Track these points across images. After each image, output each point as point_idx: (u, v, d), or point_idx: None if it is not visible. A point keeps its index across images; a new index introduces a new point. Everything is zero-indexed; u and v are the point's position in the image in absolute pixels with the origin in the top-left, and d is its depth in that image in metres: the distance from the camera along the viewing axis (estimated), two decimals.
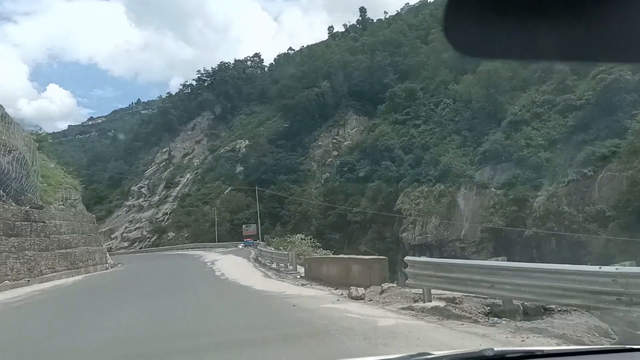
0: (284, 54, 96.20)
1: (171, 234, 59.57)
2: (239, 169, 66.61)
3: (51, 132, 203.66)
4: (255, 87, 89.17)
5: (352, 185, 46.89)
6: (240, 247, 36.96)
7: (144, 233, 64.29)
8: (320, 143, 61.48)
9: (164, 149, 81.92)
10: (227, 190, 62.00)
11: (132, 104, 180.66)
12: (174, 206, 66.02)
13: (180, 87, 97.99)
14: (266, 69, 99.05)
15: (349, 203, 45.64)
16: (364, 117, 63.71)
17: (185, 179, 72.28)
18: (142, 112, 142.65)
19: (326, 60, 67.58)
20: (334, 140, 61.18)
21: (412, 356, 1.90)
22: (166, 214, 66.13)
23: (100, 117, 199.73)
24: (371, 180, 45.12)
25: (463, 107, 43.82)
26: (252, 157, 62.85)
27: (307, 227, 48.48)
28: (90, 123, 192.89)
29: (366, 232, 40.55)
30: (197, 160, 76.77)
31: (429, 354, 1.91)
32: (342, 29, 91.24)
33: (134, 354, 4.97)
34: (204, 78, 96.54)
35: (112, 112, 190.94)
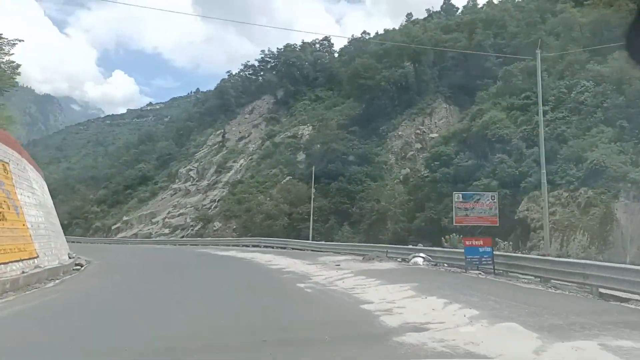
0: (358, 38, 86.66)
1: (217, 224, 51.20)
2: (301, 157, 57.70)
3: (111, 114, 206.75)
4: (323, 71, 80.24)
5: (447, 183, 36.46)
6: (421, 263, 17.64)
7: (188, 220, 56.42)
8: (400, 133, 51.35)
9: (218, 131, 74.40)
10: (285, 180, 53.02)
11: (191, 92, 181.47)
12: (224, 193, 57.83)
13: (242, 67, 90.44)
14: (336, 54, 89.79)
15: (444, 205, 35.25)
16: (455, 107, 53.13)
17: (239, 165, 64.08)
18: (195, 110, 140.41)
19: (413, 38, 57.36)
20: (418, 131, 50.89)
21: None
22: (214, 201, 58.01)
23: (158, 103, 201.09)
24: (476, 178, 34.57)
25: (613, 91, 32.56)
26: (317, 144, 53.60)
27: (383, 230, 38.65)
28: (148, 108, 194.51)
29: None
30: (253, 146, 68.51)
31: None
32: (421, 17, 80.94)
33: None
34: (267, 59, 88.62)
35: (170, 100, 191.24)
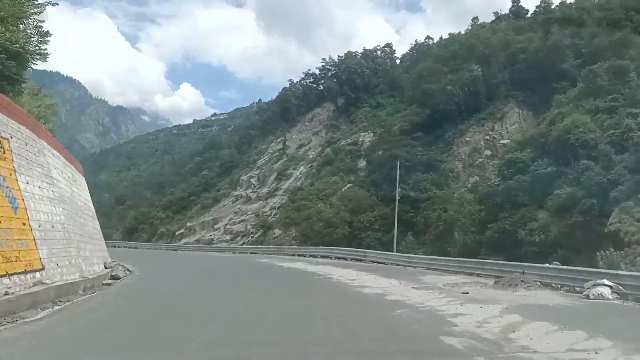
0: (421, 43, 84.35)
1: (277, 231, 50.61)
2: (361, 164, 56.25)
3: (178, 124, 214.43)
4: (384, 78, 78.70)
5: (523, 192, 33.65)
6: (609, 295, 11.90)
7: (249, 227, 56.32)
8: (467, 139, 48.68)
9: (279, 139, 74.47)
10: (345, 187, 51.70)
11: (253, 103, 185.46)
12: (284, 200, 57.33)
13: (303, 75, 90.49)
14: (398, 60, 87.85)
15: (520, 215, 32.49)
16: (528, 111, 49.78)
17: (299, 172, 63.55)
18: (257, 118, 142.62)
19: (482, 40, 54.56)
20: (487, 137, 48.02)
21: None
22: (274, 208, 57.64)
23: (222, 113, 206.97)
24: (557, 187, 31.61)
25: None
26: (379, 150, 51.92)
27: (451, 240, 36.30)
28: (213, 119, 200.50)
29: (546, 258, 27.11)
30: (313, 153, 67.86)
31: None
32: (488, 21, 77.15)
33: None
34: (328, 67, 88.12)
35: (233, 110, 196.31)
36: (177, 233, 63.42)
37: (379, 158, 51.23)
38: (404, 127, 52.10)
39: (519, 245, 31.13)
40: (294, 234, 49.85)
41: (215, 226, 61.20)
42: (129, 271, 19.34)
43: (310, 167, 63.70)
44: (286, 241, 49.47)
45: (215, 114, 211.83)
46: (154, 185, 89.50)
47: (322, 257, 31.25)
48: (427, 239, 37.62)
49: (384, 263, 26.24)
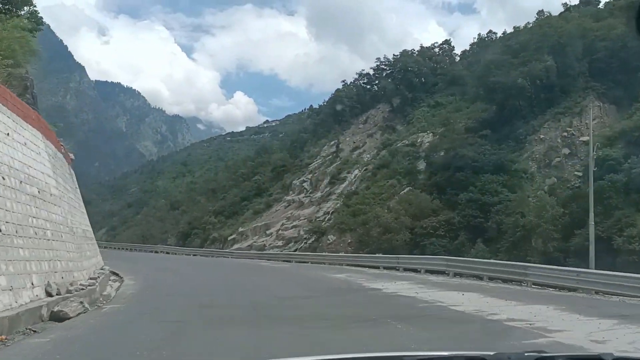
0: (483, 38, 79.53)
1: (331, 237, 47.83)
2: (421, 165, 52.56)
3: (231, 131, 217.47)
4: (443, 76, 74.61)
5: (617, 193, 29.10)
6: None
7: (301, 233, 53.91)
8: (542, 136, 44.08)
9: (332, 142, 71.86)
10: (404, 190, 48.24)
11: (304, 109, 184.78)
12: (338, 205, 54.53)
13: (356, 75, 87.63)
14: (457, 57, 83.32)
15: (615, 220, 28.01)
16: (611, 105, 44.55)
17: (353, 175, 60.58)
18: (309, 121, 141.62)
19: (556, 29, 49.69)
20: (565, 134, 43.20)
21: (527, 352, 1.82)
22: (327, 213, 54.94)
23: (274, 120, 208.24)
24: None
25: None
26: (441, 151, 48.22)
27: (529, 248, 32.12)
28: (265, 125, 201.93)
29: None
30: (368, 156, 64.75)
31: (545, 352, 1.85)
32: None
33: None
34: (382, 67, 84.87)
35: (285, 117, 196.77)
36: (229, 238, 62.00)
37: (441, 159, 47.53)
38: (470, 125, 48.04)
39: (615, 252, 26.71)
40: (349, 240, 46.97)
41: (268, 232, 59.23)
42: (115, 294, 14.18)
43: (365, 170, 60.62)
44: (341, 247, 46.63)
45: (267, 121, 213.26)
46: (208, 190, 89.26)
47: (406, 269, 25.17)
48: (501, 246, 33.57)
49: (518, 281, 17.78)
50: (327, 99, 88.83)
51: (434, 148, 51.09)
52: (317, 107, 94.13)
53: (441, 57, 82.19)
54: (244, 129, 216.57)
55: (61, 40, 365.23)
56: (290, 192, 65.95)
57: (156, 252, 55.41)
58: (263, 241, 57.59)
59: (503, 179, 40.48)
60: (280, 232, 57.45)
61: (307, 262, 34.00)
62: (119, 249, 59.94)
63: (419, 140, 58.12)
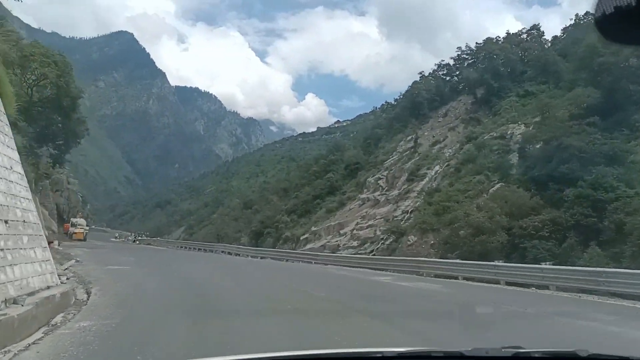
0: (579, 20, 71.44)
1: (412, 238, 43.66)
2: (513, 159, 47.01)
3: (302, 132, 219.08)
4: (535, 63, 67.80)
5: None
6: None
7: (377, 233, 50.20)
8: None
9: (409, 137, 67.44)
10: (495, 187, 43.09)
11: (376, 108, 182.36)
12: (418, 203, 50.18)
13: (435, 67, 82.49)
14: (548, 44, 75.67)
15: None
16: None
17: (433, 172, 55.89)
18: (384, 116, 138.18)
19: None
20: None
21: (504, 347, 1.90)
22: (406, 212, 50.77)
23: (345, 120, 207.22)
24: None
25: None
26: (539, 142, 42.56)
27: None
28: (336, 126, 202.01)
29: None
30: (450, 150, 59.68)
31: (521, 347, 1.92)
32: None
33: None
34: (464, 56, 79.13)
35: (356, 116, 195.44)
36: (301, 238, 59.58)
37: (538, 151, 41.88)
38: (574, 112, 41.92)
39: None
40: (431, 242, 42.56)
41: (341, 231, 56.07)
42: None
43: (447, 165, 55.72)
44: (423, 249, 42.38)
45: (338, 121, 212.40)
46: (280, 190, 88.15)
47: (510, 283, 19.77)
48: (623, 251, 27.92)
49: None
50: (403, 93, 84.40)
51: (529, 139, 45.37)
52: (393, 101, 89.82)
53: (530, 44, 74.99)
54: (315, 129, 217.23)
55: (144, 48, 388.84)
56: (365, 190, 62.40)
57: (228, 253, 48.62)
58: (337, 241, 54.50)
59: (618, 172, 34.38)
60: (355, 231, 54.06)
61: (383, 269, 30.20)
62: (190, 248, 59.09)
63: (509, 132, 52.46)
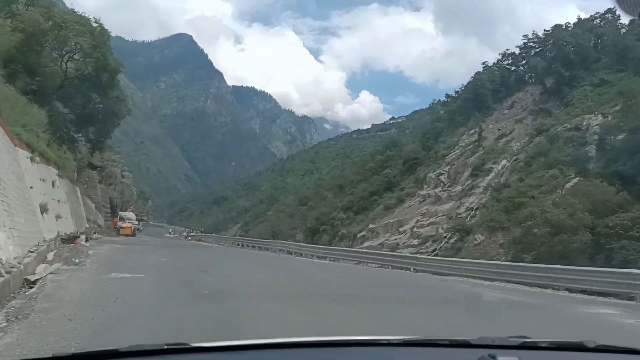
0: None
1: (479, 237, 40.90)
2: (591, 152, 43.10)
3: (356, 129, 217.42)
4: (610, 49, 62.54)
5: None
6: None
7: (440, 231, 47.67)
8: None
9: (472, 130, 64.06)
10: (571, 182, 39.55)
11: (435, 101, 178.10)
12: (484, 199, 47.21)
13: (499, 56, 78.16)
14: (625, 29, 69.61)
15: None
16: None
17: (500, 167, 52.55)
18: (441, 112, 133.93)
19: None
20: None
21: (511, 337, 1.88)
22: (471, 209, 47.93)
23: (400, 116, 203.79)
24: None
25: None
26: (622, 133, 38.58)
27: None
28: (391, 122, 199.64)
29: None
30: (517, 144, 56.01)
31: (527, 337, 1.90)
32: None
33: None
34: (530, 45, 74.40)
35: (412, 112, 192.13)
36: (358, 235, 57.87)
37: (622, 143, 37.95)
38: None
39: None
40: (500, 241, 39.65)
41: (401, 229, 53.86)
42: None
43: (515, 160, 52.24)
44: (491, 249, 39.62)
45: (393, 118, 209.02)
46: (335, 186, 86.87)
47: None
48: None
49: None
50: (464, 85, 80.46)
51: (609, 130, 41.43)
52: (454, 93, 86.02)
53: (604, 29, 69.31)
54: (369, 126, 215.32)
55: (202, 50, 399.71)
56: (425, 186, 59.74)
57: (287, 252, 39.82)
58: (396, 239, 52.38)
59: None
60: (415, 229, 51.72)
61: (454, 275, 26.85)
62: (245, 245, 53.49)
63: (584, 123, 48.26)
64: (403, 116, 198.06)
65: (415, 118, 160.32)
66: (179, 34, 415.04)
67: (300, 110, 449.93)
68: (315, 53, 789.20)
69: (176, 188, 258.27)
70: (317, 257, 35.38)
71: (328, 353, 1.89)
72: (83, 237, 27.40)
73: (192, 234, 74.56)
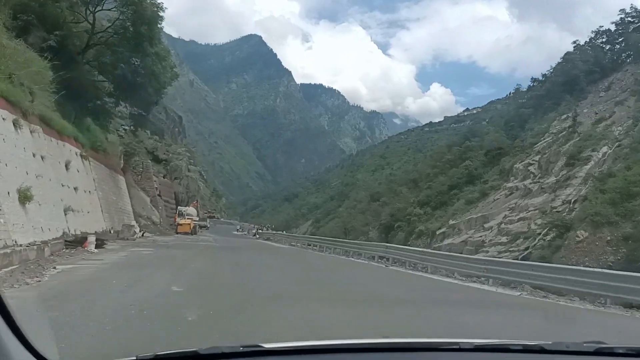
0: None
1: (582, 233, 35.98)
2: None
3: (427, 122, 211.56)
4: None
5: None
6: None
7: (532, 227, 42.98)
8: None
9: (564, 116, 58.16)
10: None
11: (510, 94, 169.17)
12: (584, 191, 41.95)
13: (591, 34, 70.86)
14: None
15: None
16: None
17: (600, 154, 46.72)
18: (520, 101, 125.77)
19: None
20: None
21: (586, 342, 1.85)
22: (569, 202, 42.80)
23: (475, 107, 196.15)
24: None
25: None
26: None
27: None
28: (465, 114, 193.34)
29: None
30: (619, 128, 49.80)
31: (603, 342, 1.86)
32: None
33: None
34: (628, 20, 66.57)
35: (487, 103, 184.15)
36: (437, 232, 54.12)
37: None
38: None
39: None
40: (608, 238, 34.62)
41: (486, 225, 49.49)
42: None
43: (618, 146, 46.27)
44: (597, 247, 34.70)
45: (467, 109, 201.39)
46: (409, 181, 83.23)
47: None
48: None
49: None
50: (553, 67, 73.64)
51: None
52: (525, 89, 79.43)
53: None
54: (441, 119, 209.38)
55: (271, 49, 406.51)
56: (512, 178, 54.75)
57: (396, 261, 24.41)
58: (481, 236, 48.13)
59: None
60: (502, 225, 47.17)
61: None
62: (323, 248, 35.87)
63: None
64: (478, 107, 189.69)
65: (492, 109, 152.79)
66: (248, 35, 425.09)
67: (369, 106, 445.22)
68: (384, 47, 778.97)
69: (248, 186, 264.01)
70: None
71: (400, 357, 1.84)
72: (92, 238, 19.27)
73: (260, 231, 67.49)
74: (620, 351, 1.79)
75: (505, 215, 48.68)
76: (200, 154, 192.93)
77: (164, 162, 51.39)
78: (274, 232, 65.29)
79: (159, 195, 48.25)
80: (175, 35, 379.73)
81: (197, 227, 47.17)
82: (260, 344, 1.68)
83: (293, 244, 45.03)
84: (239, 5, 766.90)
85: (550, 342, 1.78)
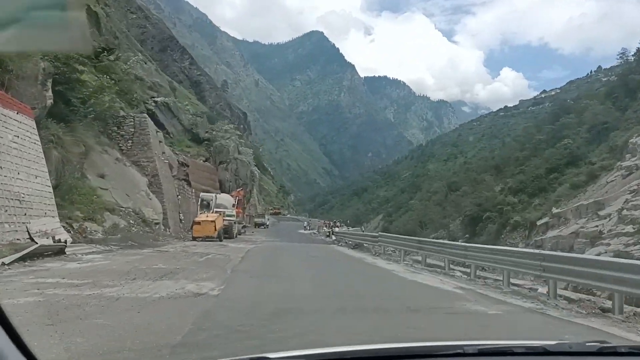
0: None
1: None
2: None
3: (503, 106, 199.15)
4: None
5: None
6: None
7: None
8: None
9: None
10: None
11: (592, 72, 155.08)
12: None
13: None
14: None
15: None
16: None
17: None
18: (604, 79, 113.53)
19: None
20: None
21: (588, 342, 1.85)
22: None
23: (553, 89, 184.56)
24: None
25: None
26: None
27: None
28: (542, 96, 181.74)
29: None
30: None
31: (606, 342, 1.90)
32: None
33: None
34: None
35: (567, 83, 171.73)
36: (538, 223, 46.22)
37: None
38: None
39: None
40: None
41: (601, 212, 41.15)
42: None
43: None
44: None
45: (544, 91, 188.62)
46: (490, 168, 75.25)
47: None
48: None
49: None
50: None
51: None
52: (608, 67, 68.65)
53: None
54: (516, 103, 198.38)
55: (333, 44, 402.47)
56: (628, 156, 45.73)
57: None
58: (596, 226, 39.91)
59: None
60: (625, 212, 38.70)
61: None
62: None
63: None
64: (556, 88, 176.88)
65: (571, 89, 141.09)
66: (310, 32, 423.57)
67: (435, 95, 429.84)
68: (449, 34, 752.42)
69: (316, 182, 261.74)
70: None
71: None
72: None
73: (336, 229, 46.54)
74: (623, 350, 1.79)
75: (627, 199, 40.08)
76: (268, 152, 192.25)
77: (206, 142, 40.94)
78: (354, 233, 39.75)
79: (177, 177, 32.47)
80: (239, 37, 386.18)
81: (234, 226, 31.99)
82: (266, 355, 1.66)
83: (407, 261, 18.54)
84: (300, 3, 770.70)
85: (552, 343, 1.78)
